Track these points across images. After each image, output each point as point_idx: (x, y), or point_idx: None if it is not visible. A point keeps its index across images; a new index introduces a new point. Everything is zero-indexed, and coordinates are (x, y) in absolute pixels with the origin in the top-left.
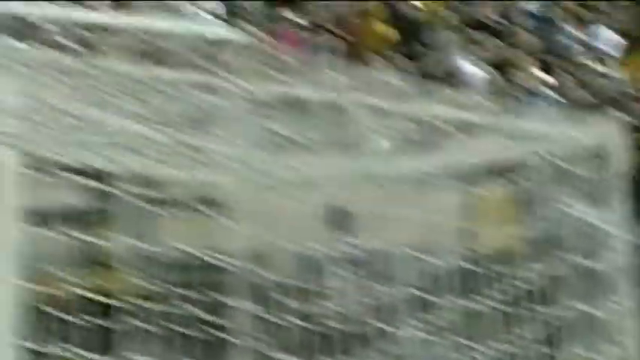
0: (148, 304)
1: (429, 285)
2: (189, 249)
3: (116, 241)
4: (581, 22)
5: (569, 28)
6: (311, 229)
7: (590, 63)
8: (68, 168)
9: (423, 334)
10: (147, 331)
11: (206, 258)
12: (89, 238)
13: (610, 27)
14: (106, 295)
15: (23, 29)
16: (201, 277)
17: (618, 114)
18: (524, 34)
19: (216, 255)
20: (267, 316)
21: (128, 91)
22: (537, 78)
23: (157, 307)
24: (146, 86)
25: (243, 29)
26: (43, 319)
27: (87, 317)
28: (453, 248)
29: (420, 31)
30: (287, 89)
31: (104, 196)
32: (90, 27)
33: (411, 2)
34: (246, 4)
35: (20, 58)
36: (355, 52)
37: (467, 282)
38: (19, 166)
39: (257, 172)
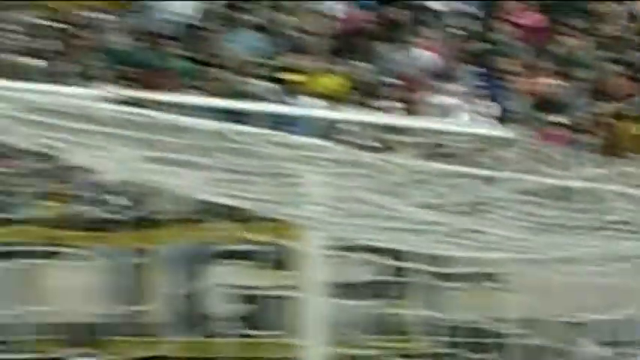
0: None
1: None
2: (471, 316)
3: (409, 310)
4: None
5: None
6: (575, 299)
7: None
8: (367, 248)
9: None
10: None
11: (485, 324)
12: (385, 308)
13: None
14: (403, 356)
15: (328, 131)
16: (482, 340)
17: None
18: None
19: (494, 322)
20: None
21: (417, 182)
22: None
23: None
24: (432, 178)
25: (514, 129)
26: None
27: None
28: None
29: None
30: (553, 180)
31: (398, 272)
32: (385, 128)
33: None
34: (517, 108)
35: (326, 155)
36: (611, 148)
37: None
38: (325, 246)
39: (529, 251)
